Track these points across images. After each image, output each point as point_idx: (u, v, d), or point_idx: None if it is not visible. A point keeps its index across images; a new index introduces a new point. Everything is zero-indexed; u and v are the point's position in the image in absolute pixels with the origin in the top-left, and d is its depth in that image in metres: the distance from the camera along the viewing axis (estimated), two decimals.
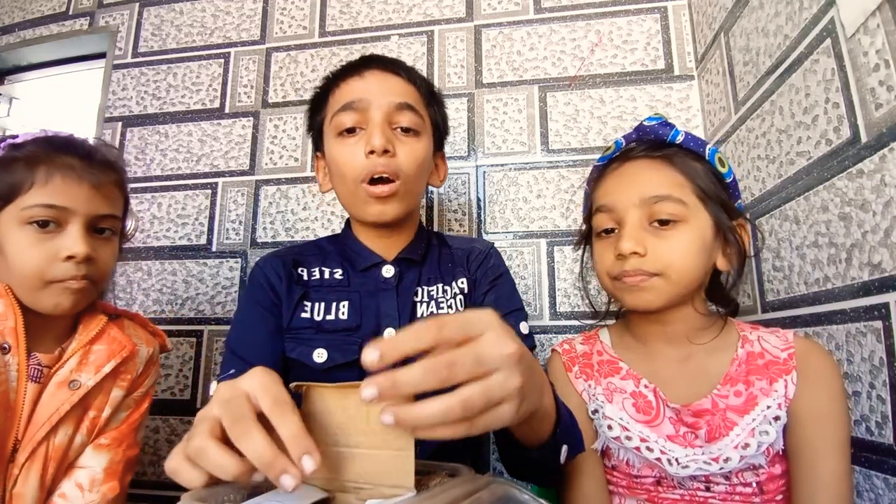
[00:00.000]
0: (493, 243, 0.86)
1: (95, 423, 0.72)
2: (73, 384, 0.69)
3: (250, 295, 0.74)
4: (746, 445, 0.57)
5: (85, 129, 1.42)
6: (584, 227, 0.75)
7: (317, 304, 0.72)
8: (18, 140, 0.69)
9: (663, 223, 0.61)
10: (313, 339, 0.69)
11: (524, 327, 0.73)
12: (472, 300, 0.76)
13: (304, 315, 0.71)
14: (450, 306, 0.74)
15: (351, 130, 0.72)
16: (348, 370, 0.68)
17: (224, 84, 1.35)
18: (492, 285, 0.76)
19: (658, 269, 0.60)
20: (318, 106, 0.79)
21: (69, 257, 0.66)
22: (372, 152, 0.69)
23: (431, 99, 0.79)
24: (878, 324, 0.61)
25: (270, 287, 0.73)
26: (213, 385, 0.67)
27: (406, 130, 0.73)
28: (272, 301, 0.72)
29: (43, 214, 0.65)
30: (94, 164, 0.70)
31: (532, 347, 0.75)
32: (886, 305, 0.60)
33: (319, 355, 0.68)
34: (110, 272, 0.74)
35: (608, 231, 0.66)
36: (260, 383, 0.36)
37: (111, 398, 0.73)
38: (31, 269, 0.65)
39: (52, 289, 0.66)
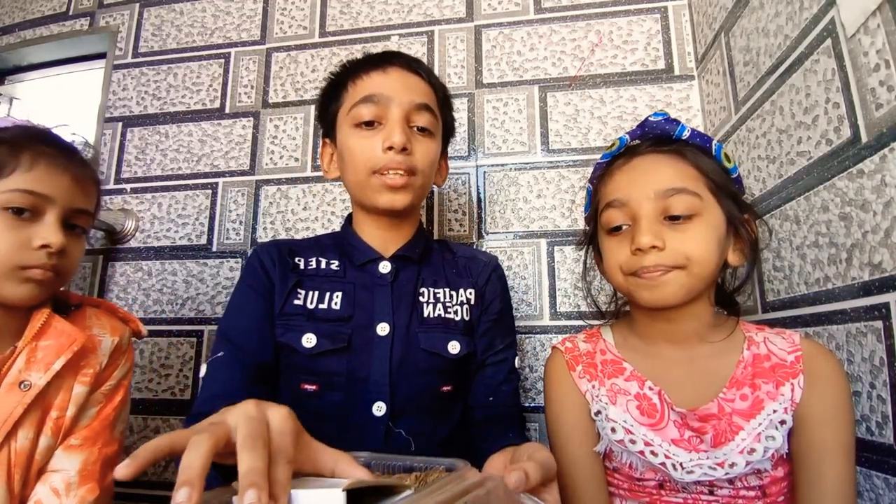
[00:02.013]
0: (497, 257, 0.87)
1: (60, 423, 0.68)
2: (23, 385, 0.64)
3: (244, 279, 0.75)
4: (752, 451, 0.56)
5: (85, 129, 1.42)
6: (587, 227, 0.73)
7: (310, 293, 0.73)
8: None
9: (678, 217, 0.59)
10: (304, 325, 0.70)
11: (517, 361, 0.79)
12: (478, 315, 0.78)
13: (296, 302, 0.72)
14: (455, 312, 0.76)
15: (369, 123, 0.73)
16: (337, 357, 0.69)
17: (224, 84, 1.35)
18: (499, 315, 0.80)
19: (678, 262, 0.58)
20: (334, 93, 0.79)
21: (44, 246, 0.64)
22: (391, 148, 0.70)
23: (445, 103, 0.82)
24: (879, 324, 0.61)
25: (264, 272, 0.74)
26: (203, 367, 0.68)
27: (422, 130, 0.74)
28: (265, 285, 0.73)
29: (22, 201, 0.63)
30: (75, 158, 0.70)
31: (519, 379, 0.80)
32: (887, 305, 0.60)
33: (308, 340, 0.69)
34: (75, 269, 0.72)
35: (618, 228, 0.63)
36: (247, 415, 0.36)
37: (74, 396, 0.69)
38: (1, 256, 0.63)
39: (16, 276, 0.64)
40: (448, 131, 0.83)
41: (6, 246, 0.63)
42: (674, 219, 0.59)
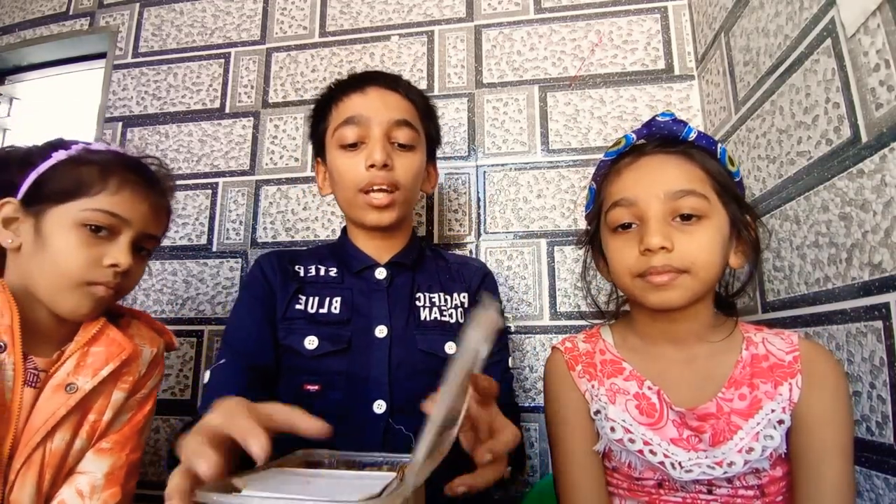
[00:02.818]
0: (486, 264, 0.90)
1: (96, 427, 0.70)
2: (69, 388, 0.67)
3: (246, 288, 0.79)
4: (751, 450, 0.57)
5: (85, 129, 1.42)
6: (589, 226, 0.73)
7: (311, 298, 0.76)
8: (93, 146, 0.72)
9: (686, 218, 0.59)
10: (306, 328, 0.73)
11: (511, 363, 0.82)
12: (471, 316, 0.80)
13: (297, 307, 0.75)
14: (450, 315, 0.79)
15: (353, 145, 0.77)
16: (337, 357, 0.72)
17: (224, 84, 1.35)
18: None
19: (685, 265, 0.58)
20: (320, 115, 0.83)
21: (113, 265, 0.67)
22: (372, 166, 0.74)
23: (427, 113, 0.85)
24: (879, 324, 0.61)
25: (266, 280, 0.77)
26: (207, 374, 0.71)
27: (402, 146, 0.78)
28: (266, 293, 0.76)
29: (103, 220, 0.67)
30: (158, 188, 0.75)
31: (513, 378, 0.83)
32: (887, 305, 0.60)
33: (310, 342, 0.72)
34: (134, 288, 0.76)
35: (625, 227, 0.63)
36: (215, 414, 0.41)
37: (112, 401, 0.72)
38: (72, 269, 0.65)
39: (80, 290, 0.67)
40: (433, 140, 0.86)
41: (79, 261, 0.66)
42: (682, 220, 0.59)
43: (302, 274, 0.79)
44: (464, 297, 0.81)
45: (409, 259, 0.82)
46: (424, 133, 0.83)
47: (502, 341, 0.82)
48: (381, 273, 0.79)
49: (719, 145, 0.64)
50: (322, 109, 0.83)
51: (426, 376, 0.73)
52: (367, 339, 0.74)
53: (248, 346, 0.72)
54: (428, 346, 0.75)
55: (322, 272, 0.80)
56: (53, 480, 0.67)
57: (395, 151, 0.77)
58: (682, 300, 0.59)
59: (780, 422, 0.57)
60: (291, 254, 0.83)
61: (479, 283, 0.83)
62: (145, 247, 0.74)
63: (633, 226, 0.62)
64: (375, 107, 0.77)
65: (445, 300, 0.80)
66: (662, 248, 0.58)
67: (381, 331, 0.74)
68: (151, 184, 0.73)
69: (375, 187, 0.75)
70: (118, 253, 0.68)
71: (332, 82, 0.84)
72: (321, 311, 0.75)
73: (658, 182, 0.61)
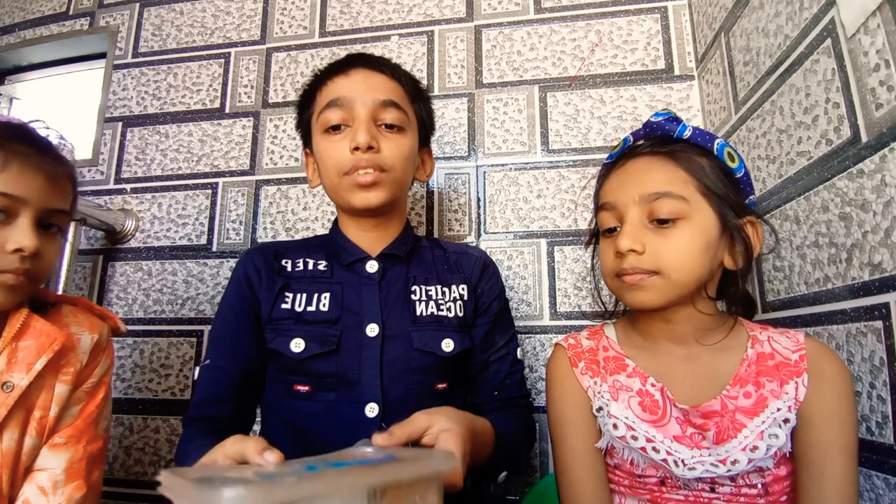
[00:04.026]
0: (486, 252, 0.88)
1: (44, 423, 0.67)
2: (5, 386, 0.63)
3: (230, 288, 0.76)
4: (755, 448, 0.57)
5: (85, 129, 1.42)
6: (593, 226, 0.74)
7: (298, 295, 0.74)
8: None
9: (663, 221, 0.60)
10: (293, 329, 0.71)
11: (520, 353, 0.80)
12: (472, 311, 0.78)
13: (284, 306, 0.73)
14: (448, 309, 0.76)
15: (336, 127, 0.74)
16: (326, 359, 0.70)
17: (224, 84, 1.35)
18: (497, 315, 0.80)
19: (655, 267, 0.59)
20: (305, 103, 0.81)
21: (17, 250, 0.62)
22: (356, 149, 0.71)
23: (417, 96, 0.81)
24: (879, 324, 0.61)
25: (247, 282, 0.75)
26: (196, 371, 0.70)
27: (390, 127, 0.75)
28: (246, 296, 0.74)
29: None
30: (50, 155, 0.66)
31: (523, 369, 0.80)
32: (887, 305, 0.60)
33: (297, 345, 0.69)
34: (51, 270, 0.70)
35: (611, 230, 0.65)
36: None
37: (56, 395, 0.68)
38: None
39: None
40: (425, 124, 0.83)
41: None
42: (661, 221, 0.60)
43: (289, 269, 0.76)
44: (463, 290, 0.78)
45: (402, 250, 0.78)
46: (415, 116, 0.80)
47: (510, 332, 0.80)
48: (372, 266, 0.76)
49: (717, 141, 0.63)
50: (307, 97, 0.80)
51: (421, 374, 0.71)
52: (358, 338, 0.71)
53: (227, 352, 0.72)
54: (423, 345, 0.72)
55: (310, 266, 0.77)
56: (12, 481, 0.64)
57: (382, 133, 0.74)
58: (657, 300, 0.61)
59: (786, 420, 0.57)
60: (278, 246, 0.80)
61: (480, 273, 0.80)
62: (54, 223, 0.67)
63: (618, 228, 0.64)
64: (359, 88, 0.74)
65: (443, 293, 0.77)
66: (632, 250, 0.60)
67: (372, 329, 0.71)
68: (43, 151, 0.65)
69: (360, 171, 0.72)
70: (20, 236, 0.62)
71: (317, 70, 0.82)
72: (309, 308, 0.72)
73: (636, 185, 0.62)
